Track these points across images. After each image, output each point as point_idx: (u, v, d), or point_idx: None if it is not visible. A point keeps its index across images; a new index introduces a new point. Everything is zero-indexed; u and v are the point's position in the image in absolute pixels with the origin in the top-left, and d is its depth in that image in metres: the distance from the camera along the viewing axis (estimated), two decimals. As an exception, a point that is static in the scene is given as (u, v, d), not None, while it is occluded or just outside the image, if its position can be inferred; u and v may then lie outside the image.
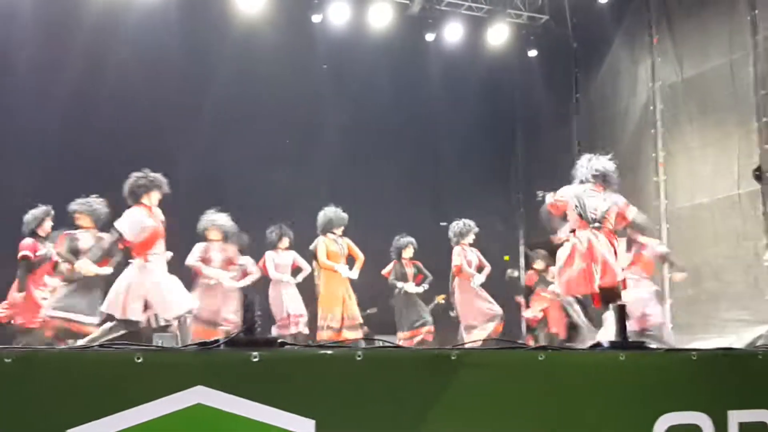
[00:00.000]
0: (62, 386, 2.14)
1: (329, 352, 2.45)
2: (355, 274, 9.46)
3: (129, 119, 11.15)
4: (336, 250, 9.51)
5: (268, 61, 12.09)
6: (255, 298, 2.51)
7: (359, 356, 2.43)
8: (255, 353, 2.31)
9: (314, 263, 9.67)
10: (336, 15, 12.65)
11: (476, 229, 10.21)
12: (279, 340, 2.49)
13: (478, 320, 9.77)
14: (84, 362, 2.21)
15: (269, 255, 9.87)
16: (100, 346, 2.41)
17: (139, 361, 2.20)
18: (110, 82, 11.00)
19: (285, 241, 9.92)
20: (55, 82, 10.55)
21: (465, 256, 10.03)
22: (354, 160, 12.34)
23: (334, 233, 9.56)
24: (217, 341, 2.38)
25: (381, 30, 12.91)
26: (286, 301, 9.69)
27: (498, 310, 9.87)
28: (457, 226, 10.21)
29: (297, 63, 12.48)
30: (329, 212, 9.60)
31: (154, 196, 7.24)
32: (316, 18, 12.54)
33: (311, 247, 9.66)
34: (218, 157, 11.58)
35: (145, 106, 11.15)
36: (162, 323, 6.96)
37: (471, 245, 10.16)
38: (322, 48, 12.68)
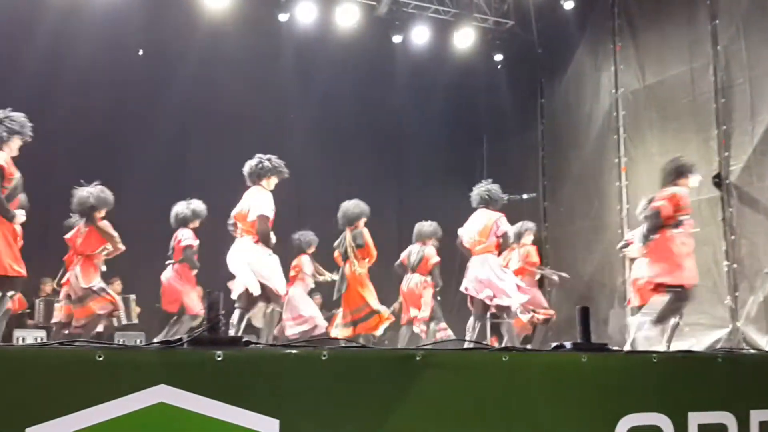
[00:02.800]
0: (22, 384, 2.09)
1: (294, 351, 2.44)
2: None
3: (91, 119, 11.01)
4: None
5: (234, 59, 12.04)
6: (219, 296, 2.48)
7: (324, 356, 2.42)
8: (219, 352, 2.28)
9: (350, 254, 9.30)
10: (303, 14, 12.61)
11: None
12: (244, 339, 2.47)
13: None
14: (44, 360, 2.16)
15: (305, 259, 10.02)
16: (61, 343, 2.37)
17: (101, 359, 2.16)
18: (72, 81, 10.85)
19: (313, 247, 10.15)
20: (14, 81, 10.34)
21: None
22: (319, 160, 12.31)
23: (357, 226, 9.33)
24: (180, 340, 2.36)
25: (348, 30, 12.90)
26: (310, 302, 9.90)
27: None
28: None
29: (263, 61, 12.42)
30: (349, 205, 9.40)
31: (273, 181, 7.73)
32: (282, 17, 12.49)
33: (348, 239, 9.31)
34: (182, 156, 11.48)
35: (109, 105, 11.03)
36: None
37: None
38: (289, 47, 12.62)
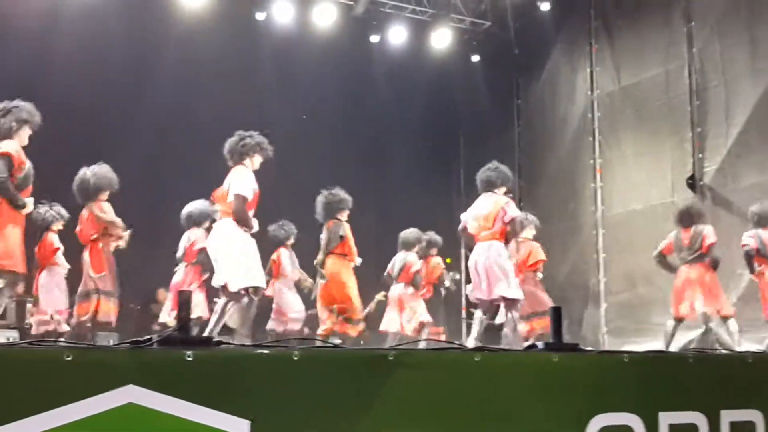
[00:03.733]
0: (-13, 384, 2.06)
1: (265, 351, 2.42)
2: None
3: (68, 117, 10.87)
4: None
5: (211, 58, 11.97)
6: (189, 296, 2.46)
7: (296, 356, 2.41)
8: (189, 352, 2.26)
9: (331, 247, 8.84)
10: (280, 13, 12.60)
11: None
12: (214, 339, 2.45)
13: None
14: (10, 359, 2.13)
15: (284, 252, 9.77)
16: (29, 343, 2.34)
17: (69, 359, 2.14)
18: (49, 80, 10.72)
19: (292, 239, 9.91)
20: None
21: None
22: (296, 159, 12.26)
23: (339, 219, 8.88)
24: (149, 339, 2.33)
25: (325, 30, 12.90)
26: (295, 298, 9.72)
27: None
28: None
29: (241, 60, 12.36)
30: (328, 197, 8.95)
31: (257, 160, 7.23)
32: (260, 15, 12.47)
33: (335, 233, 8.83)
34: (160, 155, 11.39)
35: (86, 103, 10.91)
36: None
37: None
38: (266, 46, 12.58)
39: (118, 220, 7.84)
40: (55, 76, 10.67)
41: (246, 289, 6.84)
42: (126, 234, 7.91)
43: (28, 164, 6.28)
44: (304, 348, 2.50)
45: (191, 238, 9.06)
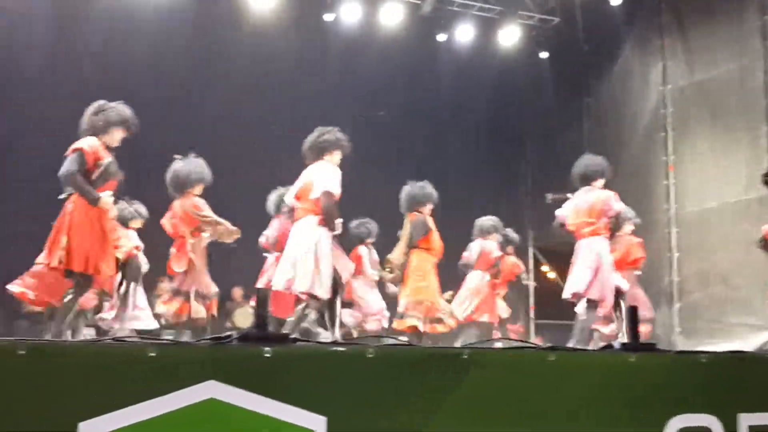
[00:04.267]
0: (75, 379, 2.14)
1: (341, 349, 2.46)
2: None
3: (138, 119, 11.15)
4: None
5: (279, 59, 12.11)
6: (268, 293, 2.51)
7: (371, 354, 2.44)
8: (267, 349, 2.31)
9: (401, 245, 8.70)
10: (348, 14, 12.69)
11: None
12: (291, 336, 2.49)
13: None
14: (97, 355, 2.21)
15: (364, 250, 9.67)
16: (114, 339, 2.42)
17: (152, 355, 2.20)
18: (120, 81, 11.01)
19: (373, 237, 9.74)
20: (65, 81, 10.55)
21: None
22: (363, 160, 12.29)
23: (421, 212, 8.61)
24: (229, 336, 2.39)
25: (393, 29, 12.94)
26: (375, 296, 9.57)
27: None
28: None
29: (309, 62, 12.49)
30: (414, 188, 8.71)
31: (336, 156, 6.92)
32: (328, 17, 12.58)
33: (418, 225, 8.64)
34: (228, 157, 11.57)
35: (155, 106, 11.15)
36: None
37: None
38: (334, 47, 12.68)
39: (213, 216, 7.62)
40: (124, 79, 10.96)
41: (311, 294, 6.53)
42: (235, 230, 7.68)
43: (107, 160, 6.16)
44: (378, 346, 2.52)
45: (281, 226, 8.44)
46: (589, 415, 2.65)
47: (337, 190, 6.63)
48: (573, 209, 7.64)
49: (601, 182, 7.63)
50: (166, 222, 7.80)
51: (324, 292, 6.47)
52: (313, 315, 6.75)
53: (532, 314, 13.47)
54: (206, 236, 7.67)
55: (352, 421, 2.36)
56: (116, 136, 6.33)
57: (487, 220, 10.13)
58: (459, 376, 2.53)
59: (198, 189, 7.74)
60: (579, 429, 2.63)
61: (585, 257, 7.39)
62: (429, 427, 2.46)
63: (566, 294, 7.58)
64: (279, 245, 7.96)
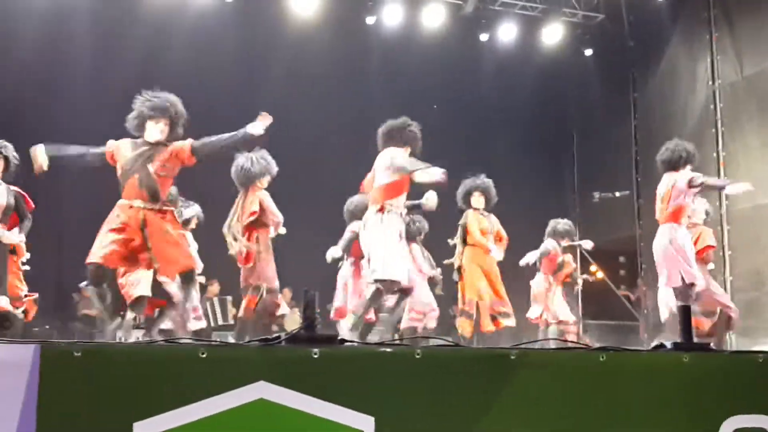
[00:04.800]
0: (129, 380, 2.18)
1: (389, 349, 2.46)
2: (500, 254, 8.68)
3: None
4: (486, 227, 8.67)
5: (322, 63, 12.18)
6: (315, 294, 2.53)
7: (418, 354, 2.44)
8: (315, 349, 2.32)
9: (456, 240, 8.74)
10: (390, 16, 12.71)
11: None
12: (339, 337, 2.50)
13: None
14: (150, 357, 2.25)
15: (415, 248, 9.47)
16: (166, 341, 2.45)
17: (203, 356, 2.23)
18: (164, 84, 11.15)
19: (423, 234, 9.61)
20: (111, 82, 10.71)
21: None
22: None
23: (478, 209, 8.67)
24: (278, 337, 2.41)
25: (435, 31, 12.93)
26: (428, 294, 9.39)
27: None
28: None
29: (351, 65, 12.53)
30: (468, 182, 8.76)
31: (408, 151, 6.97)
32: (370, 20, 12.61)
33: (461, 222, 8.77)
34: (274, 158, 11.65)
35: (199, 108, 11.27)
36: None
37: None
38: (376, 49, 12.71)
39: (276, 212, 7.57)
40: (168, 82, 11.07)
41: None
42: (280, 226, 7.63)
43: (130, 156, 6.06)
44: (426, 347, 2.52)
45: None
46: (641, 416, 2.61)
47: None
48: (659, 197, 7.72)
49: (687, 167, 7.63)
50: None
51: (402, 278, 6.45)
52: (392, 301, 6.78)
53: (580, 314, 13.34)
54: (271, 230, 7.57)
55: (399, 422, 2.37)
56: (154, 129, 6.15)
57: (564, 224, 10.05)
58: (507, 377, 2.51)
59: (264, 182, 7.62)
60: (631, 430, 2.59)
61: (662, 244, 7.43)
62: (477, 428, 2.45)
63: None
64: (355, 251, 8.13)
